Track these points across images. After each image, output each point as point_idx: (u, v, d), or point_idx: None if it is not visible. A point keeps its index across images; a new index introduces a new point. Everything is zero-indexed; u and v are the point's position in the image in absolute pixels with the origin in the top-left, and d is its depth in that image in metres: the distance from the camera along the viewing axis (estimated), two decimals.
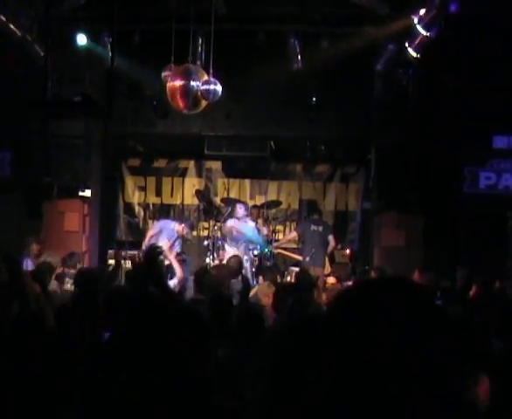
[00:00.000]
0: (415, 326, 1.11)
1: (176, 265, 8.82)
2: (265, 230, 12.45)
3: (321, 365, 1.14)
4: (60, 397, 2.94)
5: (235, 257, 9.10)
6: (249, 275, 10.96)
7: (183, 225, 11.73)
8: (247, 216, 12.02)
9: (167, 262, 9.70)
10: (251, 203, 13.62)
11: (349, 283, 10.42)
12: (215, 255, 12.23)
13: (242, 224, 11.82)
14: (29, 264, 9.74)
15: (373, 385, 1.09)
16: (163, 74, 10.27)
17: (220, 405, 2.97)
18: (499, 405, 3.33)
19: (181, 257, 11.05)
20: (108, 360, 2.83)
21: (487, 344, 4.44)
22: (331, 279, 9.47)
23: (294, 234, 12.93)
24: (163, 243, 10.63)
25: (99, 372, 2.80)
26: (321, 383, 1.14)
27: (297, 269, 11.76)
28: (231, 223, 11.90)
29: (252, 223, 11.95)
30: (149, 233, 11.89)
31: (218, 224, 12.88)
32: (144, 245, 11.31)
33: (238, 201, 12.98)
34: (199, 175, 14.43)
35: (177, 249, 11.37)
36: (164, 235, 11.49)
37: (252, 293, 7.79)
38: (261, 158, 13.38)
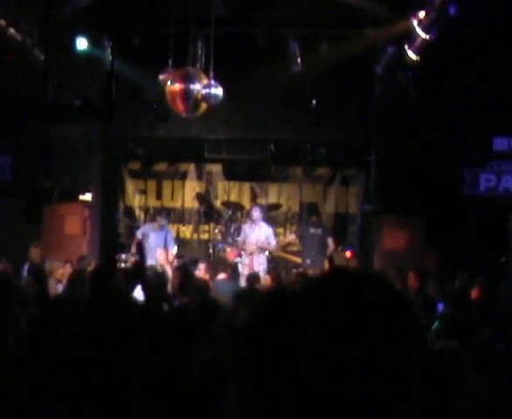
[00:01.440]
0: (383, 320, 1.11)
1: (169, 272, 8.69)
2: None
3: (288, 350, 1.12)
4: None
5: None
6: None
7: (158, 218, 11.69)
8: (263, 218, 11.72)
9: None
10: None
11: None
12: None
13: (257, 228, 11.34)
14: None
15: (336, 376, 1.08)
16: (161, 77, 10.28)
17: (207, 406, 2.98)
18: (499, 405, 3.33)
19: (180, 260, 10.92)
20: (94, 360, 2.84)
21: (488, 345, 4.44)
22: None
23: (292, 236, 12.94)
24: (160, 253, 10.51)
25: (85, 371, 2.80)
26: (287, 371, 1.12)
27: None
28: (247, 235, 11.34)
29: (267, 229, 11.51)
30: (136, 242, 11.43)
31: (219, 227, 12.92)
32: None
33: (255, 203, 12.79)
34: (199, 178, 14.42)
35: (171, 246, 11.24)
36: (152, 239, 11.27)
37: None
38: (261, 161, 13.38)
